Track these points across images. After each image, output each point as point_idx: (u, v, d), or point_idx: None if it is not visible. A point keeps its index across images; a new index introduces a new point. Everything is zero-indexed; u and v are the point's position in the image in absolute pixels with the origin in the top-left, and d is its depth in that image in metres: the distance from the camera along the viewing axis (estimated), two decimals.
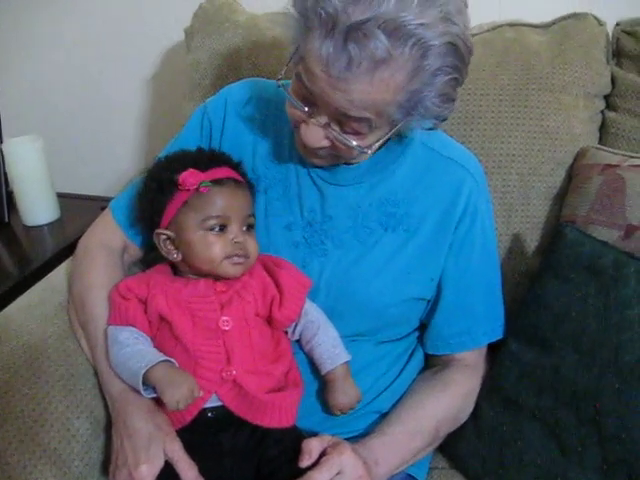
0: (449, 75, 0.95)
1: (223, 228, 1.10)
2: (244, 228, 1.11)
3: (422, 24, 0.88)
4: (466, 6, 0.96)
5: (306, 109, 1.00)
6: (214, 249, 1.09)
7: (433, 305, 1.21)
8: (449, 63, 0.94)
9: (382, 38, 0.86)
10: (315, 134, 1.01)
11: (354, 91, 0.92)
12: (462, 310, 1.20)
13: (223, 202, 1.10)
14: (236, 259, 1.09)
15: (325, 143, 1.02)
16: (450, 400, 1.19)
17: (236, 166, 1.15)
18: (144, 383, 1.01)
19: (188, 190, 1.09)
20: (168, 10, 1.90)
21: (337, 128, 1.00)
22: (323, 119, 0.99)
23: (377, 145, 1.04)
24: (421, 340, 1.27)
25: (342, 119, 0.98)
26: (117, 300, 1.11)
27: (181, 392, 0.97)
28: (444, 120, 1.04)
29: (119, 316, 1.10)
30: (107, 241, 1.25)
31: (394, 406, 1.19)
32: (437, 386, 1.20)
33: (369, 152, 1.03)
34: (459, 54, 0.94)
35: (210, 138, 1.24)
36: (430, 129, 1.07)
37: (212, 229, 1.10)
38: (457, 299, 1.19)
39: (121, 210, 1.26)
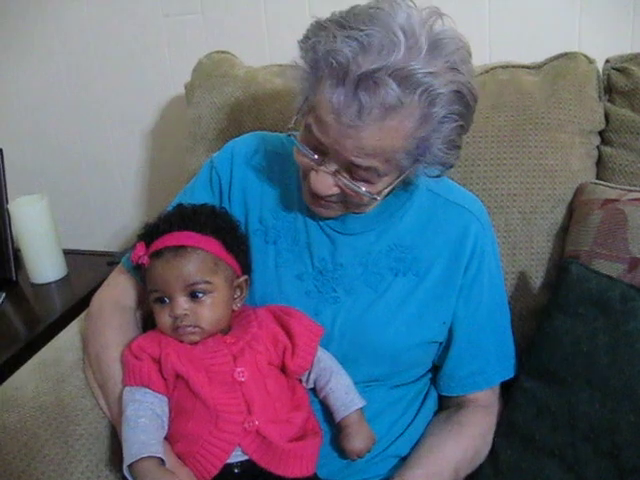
0: (455, 122, 0.99)
1: (167, 300, 1.10)
2: (187, 297, 1.09)
3: (430, 73, 0.92)
4: (470, 56, 1.00)
5: (316, 157, 1.02)
6: (161, 321, 1.11)
7: (445, 348, 1.22)
8: (455, 111, 0.97)
9: (393, 86, 0.90)
10: (325, 181, 1.03)
11: (364, 138, 0.95)
12: (474, 351, 1.21)
13: (158, 275, 1.09)
14: (182, 330, 1.09)
15: (335, 190, 1.05)
16: (467, 441, 1.19)
17: (199, 225, 1.12)
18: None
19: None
20: (165, 65, 1.95)
21: (347, 175, 1.02)
22: (333, 167, 1.02)
23: (386, 191, 1.06)
24: (434, 382, 1.28)
25: (351, 167, 1.00)
26: (130, 360, 1.11)
27: None
28: (450, 167, 1.08)
29: (133, 377, 1.09)
30: (120, 299, 1.26)
31: (412, 450, 1.20)
32: (453, 428, 1.20)
33: (379, 198, 1.05)
34: (465, 102, 0.98)
35: (220, 193, 1.26)
36: (437, 176, 1.10)
37: (156, 301, 1.11)
38: (469, 340, 1.20)
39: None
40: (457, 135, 1.02)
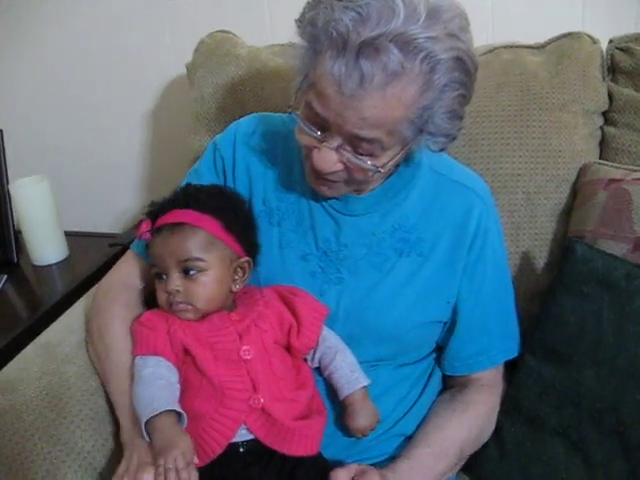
0: (457, 91, 0.98)
1: (164, 276, 1.11)
2: (181, 274, 1.10)
3: (430, 37, 0.91)
4: (468, 24, 0.99)
5: (318, 133, 1.01)
6: (159, 296, 1.13)
7: (450, 327, 1.22)
8: (456, 79, 0.96)
9: (395, 51, 0.89)
10: (328, 158, 1.02)
11: (367, 108, 0.93)
12: (478, 330, 1.21)
13: (155, 250, 1.12)
14: (176, 306, 1.10)
15: (338, 167, 1.03)
16: (472, 420, 1.20)
17: (200, 204, 1.13)
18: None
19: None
20: (166, 45, 1.94)
21: (350, 149, 1.01)
22: (335, 142, 1.00)
23: (390, 164, 1.05)
24: (439, 361, 1.28)
25: (354, 141, 0.99)
26: (143, 330, 1.11)
27: (172, 455, 0.95)
28: (453, 139, 1.06)
29: (146, 345, 1.09)
30: (127, 280, 1.26)
31: (418, 429, 1.20)
32: (458, 407, 1.21)
33: (382, 171, 1.04)
34: (466, 69, 0.97)
35: (224, 174, 1.26)
36: (441, 150, 1.09)
37: (156, 277, 1.13)
38: (473, 320, 1.20)
39: (141, 243, 1.25)
40: (459, 105, 1.01)
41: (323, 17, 0.94)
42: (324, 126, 1.00)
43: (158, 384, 1.05)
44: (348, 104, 0.94)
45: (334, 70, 0.93)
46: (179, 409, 1.01)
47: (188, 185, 1.20)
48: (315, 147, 1.03)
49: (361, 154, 1.01)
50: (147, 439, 1.00)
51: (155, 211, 1.15)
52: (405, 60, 0.90)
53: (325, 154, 1.02)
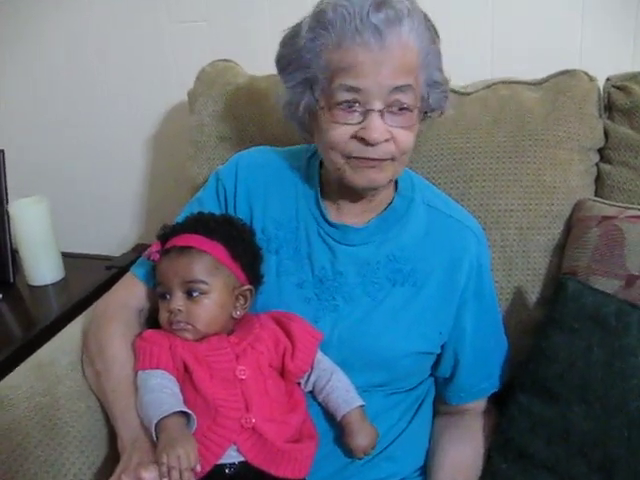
0: (437, 45, 1.12)
1: (167, 296, 1.14)
2: (184, 295, 1.13)
3: None
4: None
5: (357, 112, 1.07)
6: (161, 315, 1.16)
7: (455, 364, 1.26)
8: (434, 34, 1.11)
9: None
10: (377, 124, 1.06)
11: (392, 58, 1.03)
12: (482, 361, 1.27)
13: (162, 270, 1.16)
14: (176, 325, 1.13)
15: (387, 135, 1.07)
16: (482, 449, 1.27)
17: (209, 231, 1.16)
18: None
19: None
20: (169, 72, 1.96)
21: (389, 109, 1.07)
22: (377, 105, 1.06)
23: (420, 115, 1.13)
24: (438, 391, 1.33)
25: (392, 97, 1.06)
26: (146, 346, 1.13)
27: (175, 453, 0.95)
28: (446, 96, 1.17)
29: (149, 360, 1.11)
30: (126, 301, 1.27)
31: (436, 460, 1.25)
32: (465, 436, 1.28)
33: (421, 111, 1.12)
34: (434, 30, 1.11)
35: (226, 204, 1.29)
36: (441, 113, 1.19)
37: (160, 297, 1.16)
38: (477, 352, 1.25)
39: (142, 267, 1.28)
40: (439, 59, 1.13)
41: (332, 8, 1.04)
42: (362, 99, 1.06)
43: (165, 392, 1.06)
44: (379, 59, 1.03)
45: (356, 38, 1.03)
46: (188, 410, 1.02)
47: (200, 213, 1.23)
48: (359, 129, 1.07)
49: (401, 109, 1.07)
50: (156, 441, 1.00)
51: (166, 234, 1.20)
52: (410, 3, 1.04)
53: (372, 122, 1.06)
